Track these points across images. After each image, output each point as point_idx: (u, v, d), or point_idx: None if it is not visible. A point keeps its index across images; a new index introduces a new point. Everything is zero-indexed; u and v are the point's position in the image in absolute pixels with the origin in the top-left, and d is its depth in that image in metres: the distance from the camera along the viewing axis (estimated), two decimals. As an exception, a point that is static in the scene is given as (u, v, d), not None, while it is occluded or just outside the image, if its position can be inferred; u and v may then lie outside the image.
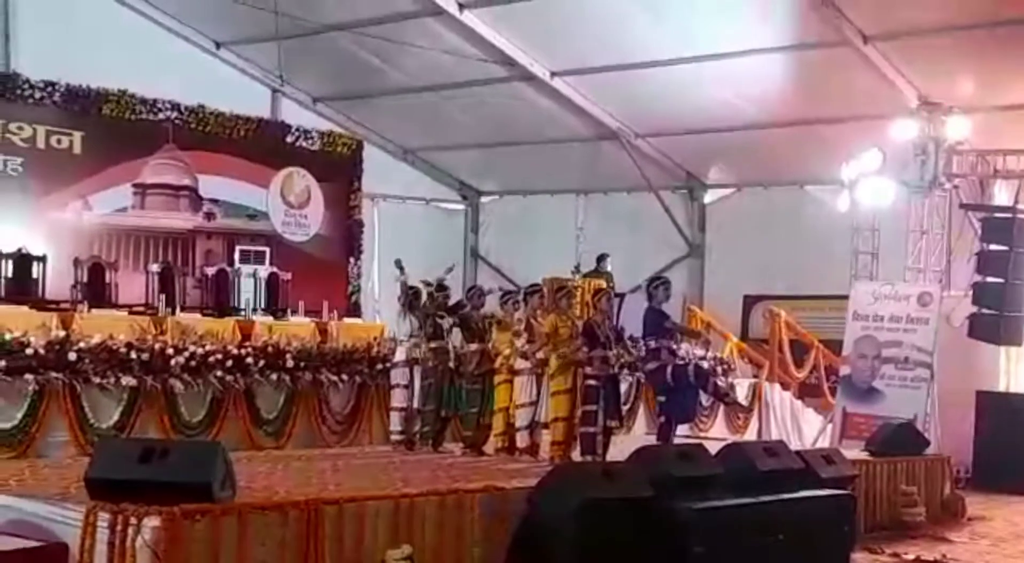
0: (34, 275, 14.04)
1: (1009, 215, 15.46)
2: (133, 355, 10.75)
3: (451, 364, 11.50)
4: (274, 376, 11.75)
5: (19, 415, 10.05)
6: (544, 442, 10.83)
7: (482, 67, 17.85)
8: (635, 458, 9.27)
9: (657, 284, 10.95)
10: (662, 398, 11.14)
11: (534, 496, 8.36)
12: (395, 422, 11.62)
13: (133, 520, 6.56)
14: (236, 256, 17.33)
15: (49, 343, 10.43)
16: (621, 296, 15.99)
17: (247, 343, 12.17)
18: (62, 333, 10.96)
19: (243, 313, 14.67)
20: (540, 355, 10.67)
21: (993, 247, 15.40)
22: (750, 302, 20.19)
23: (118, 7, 17.74)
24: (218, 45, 19.21)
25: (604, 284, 15.63)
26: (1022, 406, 15.40)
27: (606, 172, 20.74)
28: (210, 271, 16.13)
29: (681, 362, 11.18)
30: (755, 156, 19.14)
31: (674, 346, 11.13)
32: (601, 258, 18.37)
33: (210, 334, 12.39)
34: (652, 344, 10.89)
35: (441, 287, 11.75)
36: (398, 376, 11.63)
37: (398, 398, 11.60)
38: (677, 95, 17.73)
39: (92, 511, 6.74)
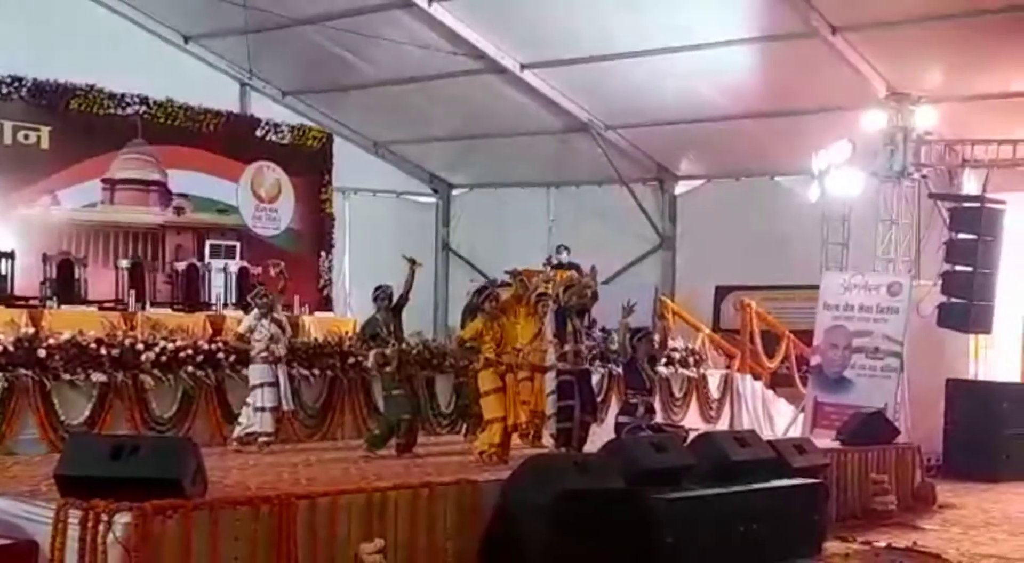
0: (2, 271, 13.96)
1: (977, 204, 15.52)
2: (103, 351, 10.68)
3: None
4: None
5: (-12, 413, 10.00)
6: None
7: (452, 60, 17.80)
8: (607, 449, 9.29)
9: (640, 337, 10.58)
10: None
11: (507, 488, 8.37)
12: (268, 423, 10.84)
13: (104, 517, 6.54)
14: (206, 251, 17.24)
15: (18, 340, 10.36)
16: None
17: (218, 338, 12.13)
18: (31, 330, 10.94)
19: (214, 308, 14.63)
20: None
21: (962, 236, 15.44)
22: (721, 293, 20.20)
23: (85, 1, 17.60)
24: (186, 39, 19.09)
25: (575, 277, 15.38)
26: (991, 394, 15.47)
27: (577, 165, 20.74)
28: (180, 266, 16.09)
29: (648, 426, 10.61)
30: (725, 147, 19.17)
31: (652, 401, 10.83)
32: (559, 249, 18.00)
33: (180, 329, 12.36)
34: (632, 399, 10.64)
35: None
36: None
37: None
38: (647, 87, 17.73)
39: (62, 508, 6.71)
